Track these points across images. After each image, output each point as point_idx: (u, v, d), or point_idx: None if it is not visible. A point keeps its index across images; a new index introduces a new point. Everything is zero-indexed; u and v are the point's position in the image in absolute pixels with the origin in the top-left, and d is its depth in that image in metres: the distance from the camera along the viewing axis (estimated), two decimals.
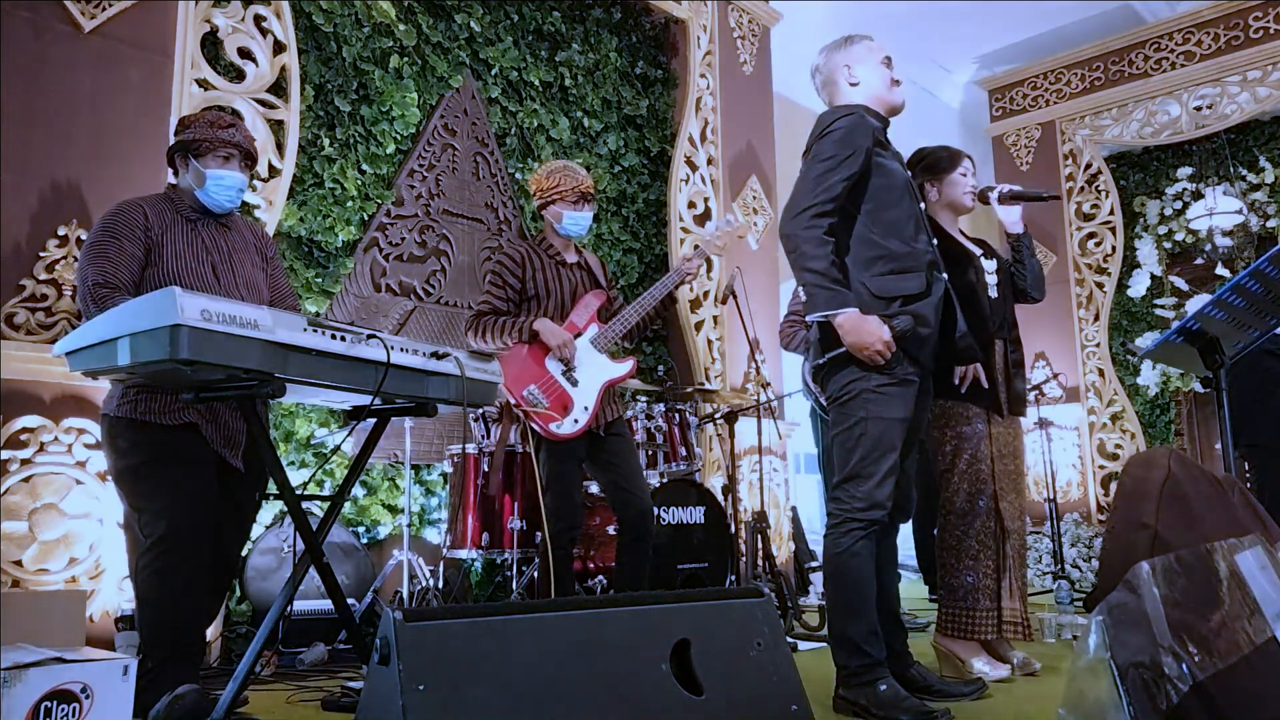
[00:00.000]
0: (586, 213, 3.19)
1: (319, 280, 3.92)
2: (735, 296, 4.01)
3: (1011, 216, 3.13)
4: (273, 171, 3.63)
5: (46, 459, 2.95)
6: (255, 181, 3.55)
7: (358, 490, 3.97)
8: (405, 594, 3.62)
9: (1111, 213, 6.84)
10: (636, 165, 5.30)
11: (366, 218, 4.14)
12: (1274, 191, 6.50)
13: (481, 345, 3.08)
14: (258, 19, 3.68)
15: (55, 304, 3.04)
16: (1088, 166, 6.92)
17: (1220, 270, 6.52)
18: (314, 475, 3.73)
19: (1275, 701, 1.51)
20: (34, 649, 2.09)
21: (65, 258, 3.06)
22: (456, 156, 4.55)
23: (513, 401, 3.03)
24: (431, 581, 3.72)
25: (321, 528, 2.38)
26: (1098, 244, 6.87)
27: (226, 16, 3.59)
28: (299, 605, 3.33)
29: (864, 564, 2.37)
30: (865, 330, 2.32)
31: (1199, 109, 6.41)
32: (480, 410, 3.93)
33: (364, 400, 2.31)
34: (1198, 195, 6.72)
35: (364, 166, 4.11)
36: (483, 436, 3.99)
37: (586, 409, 3.05)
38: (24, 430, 2.92)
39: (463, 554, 3.84)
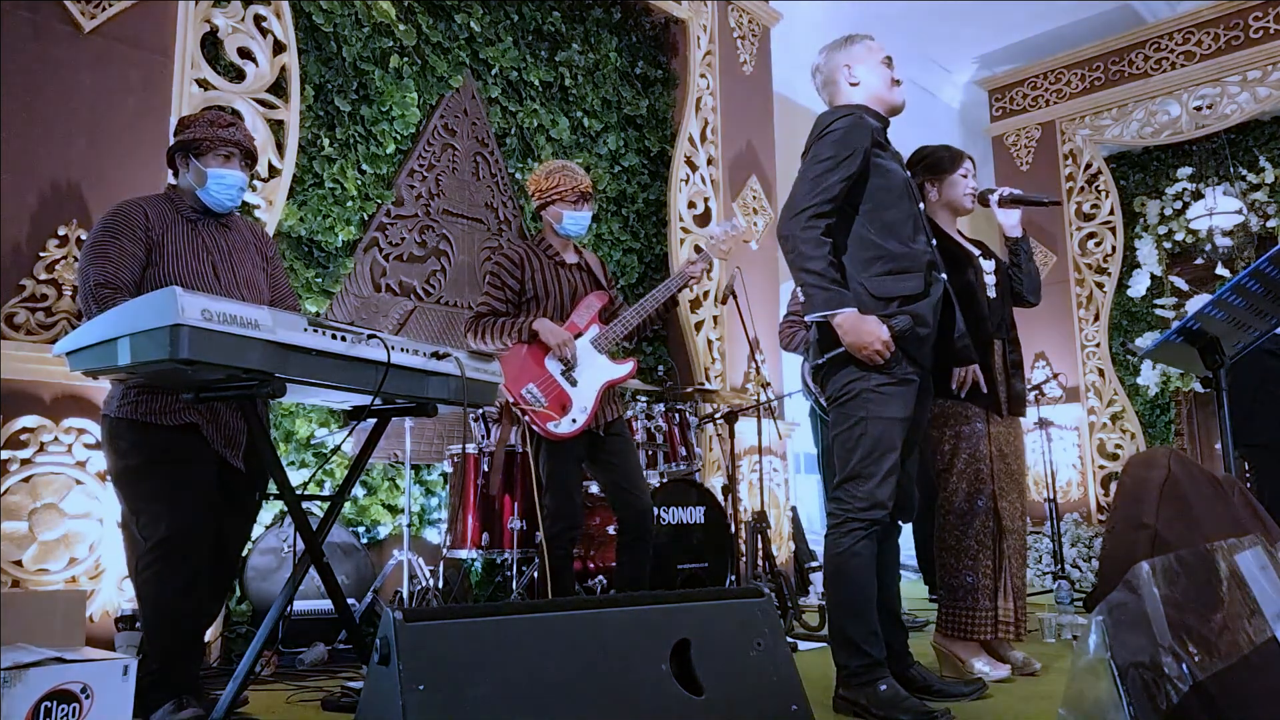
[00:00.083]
0: (586, 212, 3.19)
1: (319, 280, 3.92)
2: (735, 296, 4.01)
3: (1011, 220, 3.13)
4: (273, 171, 3.63)
5: (46, 459, 2.95)
6: (255, 181, 3.55)
7: (358, 490, 3.97)
8: (405, 594, 3.62)
9: (1111, 213, 6.84)
10: (636, 165, 5.30)
11: (366, 218, 4.14)
12: (1274, 191, 6.51)
13: (481, 346, 3.08)
14: (258, 19, 3.68)
15: (55, 304, 3.04)
16: (1088, 166, 6.92)
17: (1220, 270, 6.52)
18: (314, 475, 3.73)
19: (1275, 701, 1.51)
20: (34, 649, 2.09)
21: (65, 258, 3.06)
22: (456, 156, 4.55)
23: (511, 401, 3.03)
24: (431, 581, 3.72)
25: (321, 528, 2.39)
26: (1098, 244, 6.87)
27: (226, 16, 3.59)
28: (299, 605, 3.33)
29: (865, 564, 2.37)
30: (864, 330, 2.32)
31: (1199, 109, 6.41)
32: (480, 410, 3.93)
33: (364, 400, 2.31)
34: (1198, 195, 6.73)
35: (364, 166, 4.11)
36: (483, 436, 3.99)
37: (585, 409, 3.05)
38: (24, 430, 2.92)
39: (463, 554, 3.84)
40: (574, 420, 3.03)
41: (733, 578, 4.09)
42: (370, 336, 2.18)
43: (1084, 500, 6.65)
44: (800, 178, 2.46)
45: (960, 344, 2.63)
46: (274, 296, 2.64)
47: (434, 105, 4.44)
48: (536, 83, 4.85)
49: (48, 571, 2.91)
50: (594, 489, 4.02)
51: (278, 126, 3.67)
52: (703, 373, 5.10)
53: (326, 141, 3.99)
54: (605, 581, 3.84)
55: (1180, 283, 6.83)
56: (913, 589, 5.25)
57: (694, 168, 5.36)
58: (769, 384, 4.65)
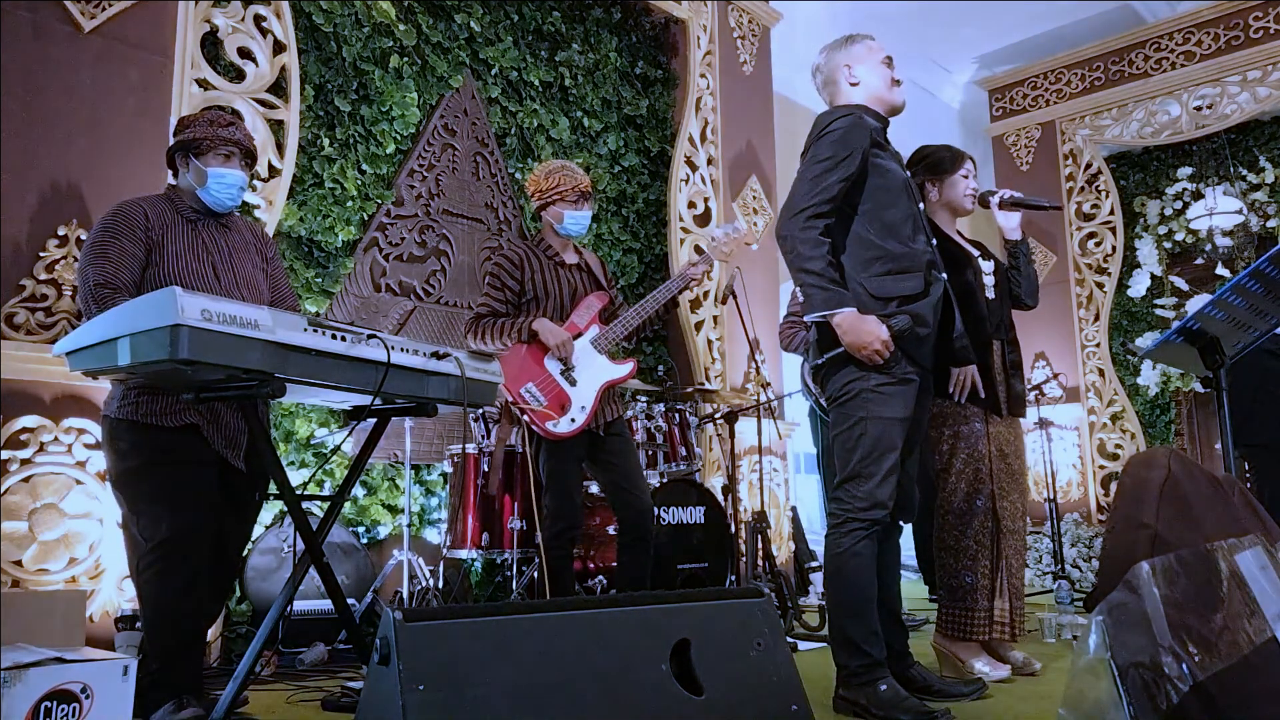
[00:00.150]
0: (586, 212, 3.20)
1: (319, 280, 3.92)
2: (735, 297, 4.01)
3: (1011, 222, 3.13)
4: (273, 171, 3.63)
5: (46, 459, 2.95)
6: (255, 181, 3.55)
7: (358, 490, 3.97)
8: (405, 594, 3.62)
9: (1111, 213, 6.84)
10: (636, 165, 5.30)
11: (366, 218, 4.14)
12: (1274, 191, 6.51)
13: (481, 346, 3.08)
14: (258, 19, 3.68)
15: (55, 304, 3.04)
16: (1088, 166, 6.92)
17: (1220, 270, 6.52)
18: (314, 475, 3.73)
19: (1275, 701, 1.51)
20: (34, 649, 2.09)
21: (65, 258, 3.06)
22: (456, 156, 4.55)
23: (510, 400, 3.03)
24: (431, 581, 3.72)
25: (321, 528, 2.39)
26: (1098, 244, 6.87)
27: (226, 16, 3.59)
28: (299, 605, 3.33)
29: (865, 564, 2.37)
30: (863, 330, 2.32)
31: (1199, 109, 6.41)
32: (480, 410, 3.93)
33: (364, 400, 2.31)
34: (1198, 195, 6.73)
35: (364, 166, 4.11)
36: (483, 436, 3.99)
37: (584, 409, 3.05)
38: (24, 430, 2.92)
39: (463, 554, 3.84)
40: (573, 420, 3.03)
41: (733, 578, 4.09)
42: (370, 336, 2.18)
43: (1084, 500, 6.65)
44: (799, 178, 2.46)
45: (959, 344, 2.63)
46: (274, 297, 2.64)
47: (434, 105, 4.44)
48: (536, 83, 4.85)
49: (48, 571, 2.91)
50: (594, 489, 4.02)
51: (278, 126, 3.67)
52: (703, 373, 5.10)
53: (326, 141, 3.99)
54: (605, 581, 3.84)
55: (1180, 283, 6.83)
56: (913, 589, 5.25)
57: (694, 168, 5.36)
58: (769, 384, 4.65)
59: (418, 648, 1.57)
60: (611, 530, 3.83)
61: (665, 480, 4.15)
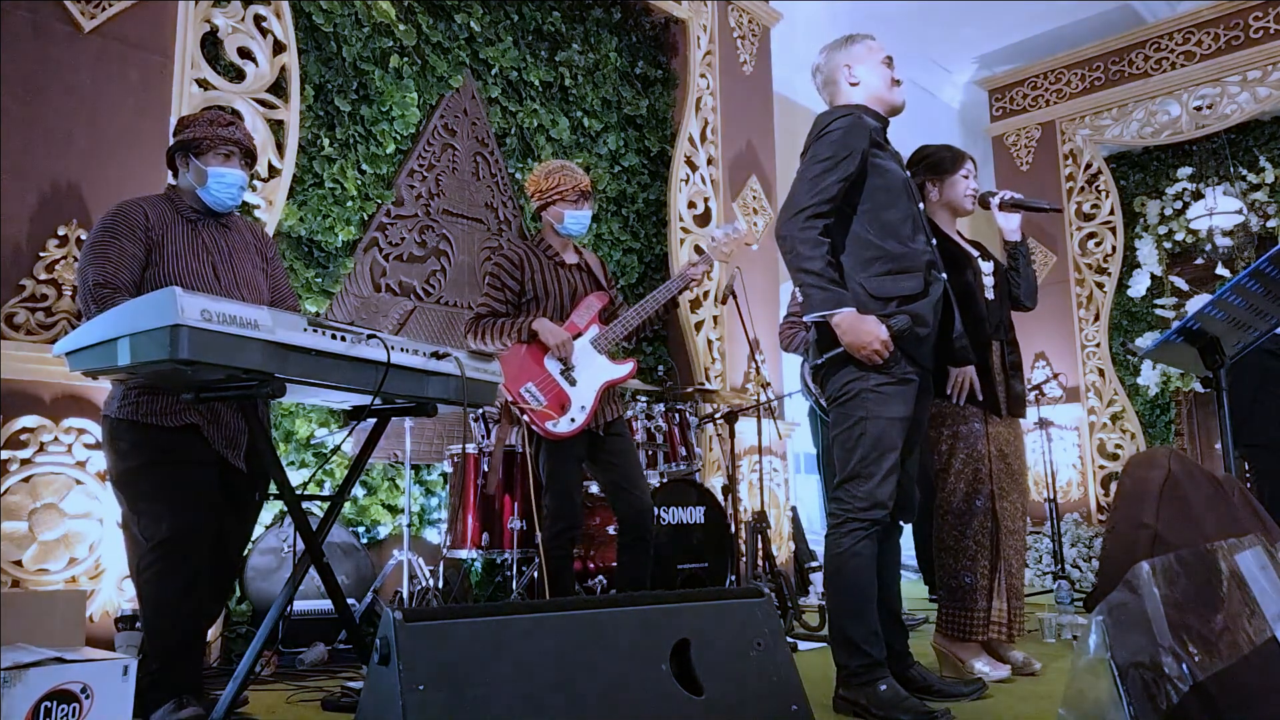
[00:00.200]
0: (586, 211, 3.20)
1: (319, 280, 3.92)
2: (735, 297, 4.01)
3: (1011, 224, 3.13)
4: (273, 171, 3.63)
5: (46, 459, 2.95)
6: (255, 181, 3.55)
7: (358, 490, 3.97)
8: (405, 594, 3.62)
9: (1111, 213, 6.84)
10: (636, 165, 5.30)
11: (366, 218, 4.14)
12: (1274, 191, 6.50)
13: (481, 347, 3.08)
14: (258, 19, 3.68)
15: (55, 304, 3.04)
16: (1088, 166, 6.92)
17: (1220, 270, 6.52)
18: (314, 475, 3.74)
19: (1275, 701, 1.51)
20: (34, 649, 2.09)
21: (65, 258, 3.06)
22: (456, 156, 4.55)
23: (510, 400, 3.03)
24: (431, 581, 3.72)
25: (321, 528, 2.39)
26: (1098, 244, 6.87)
27: (226, 16, 3.59)
28: (299, 605, 3.33)
29: (865, 564, 2.37)
30: (863, 330, 2.32)
31: (1199, 109, 6.41)
32: (480, 410, 3.93)
33: (364, 400, 2.31)
34: (1198, 195, 6.72)
35: (364, 166, 4.11)
36: (483, 436, 3.99)
37: (584, 409, 3.05)
38: (24, 430, 2.92)
39: (463, 554, 3.84)
40: (573, 420, 3.03)
41: (733, 578, 4.09)
42: (370, 336, 2.18)
43: (1084, 500, 6.65)
44: (798, 178, 2.46)
45: (959, 344, 2.63)
46: (274, 297, 2.64)
47: (434, 105, 4.44)
48: (536, 83, 4.85)
49: (48, 571, 2.91)
50: (594, 489, 4.02)
51: (278, 126, 3.67)
52: (703, 373, 5.10)
53: (326, 141, 3.99)
54: (605, 581, 3.84)
55: (1180, 283, 6.83)
56: (913, 589, 5.25)
57: (694, 168, 5.36)
58: (769, 384, 4.65)
59: (418, 648, 1.57)
60: (611, 530, 3.83)
61: (665, 480, 4.15)
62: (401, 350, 2.24)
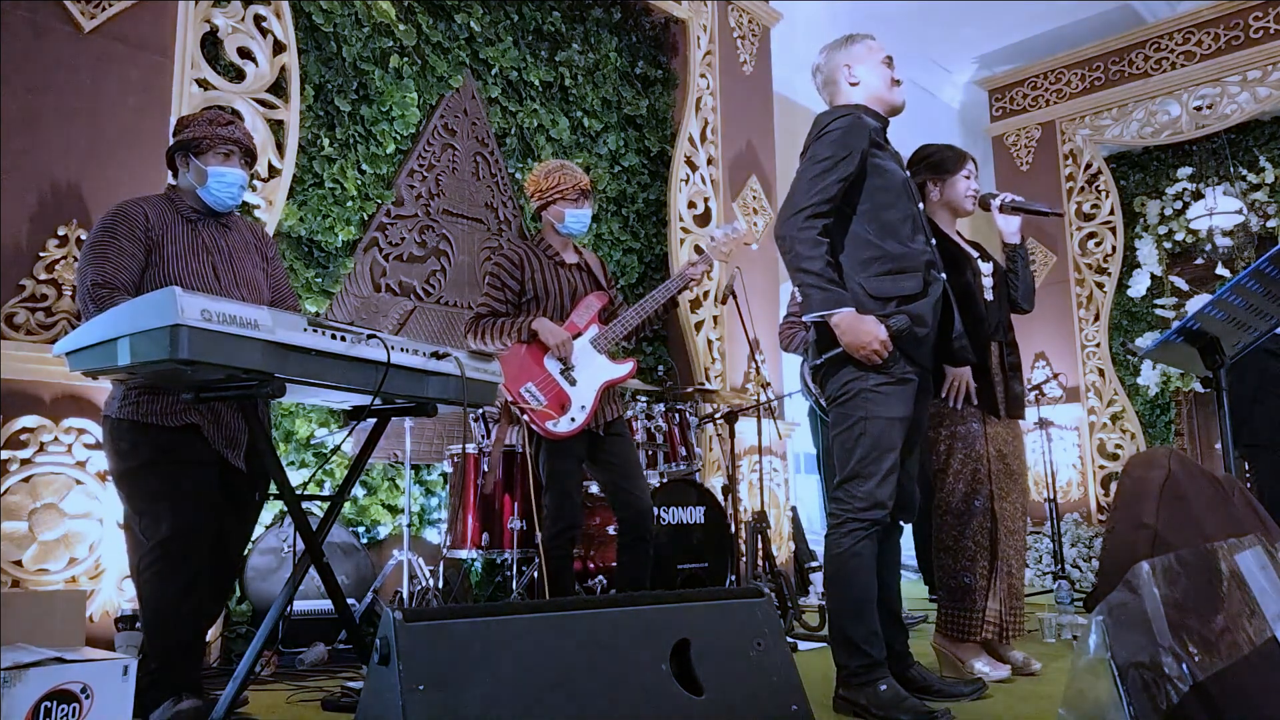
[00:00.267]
0: (587, 210, 3.20)
1: (319, 280, 3.92)
2: (735, 297, 4.01)
3: (1011, 226, 3.12)
4: (273, 171, 3.63)
5: (46, 459, 2.95)
6: (255, 181, 3.56)
7: (358, 490, 3.97)
8: (405, 594, 3.62)
9: (1111, 213, 6.84)
10: (636, 165, 5.30)
11: (366, 218, 4.14)
12: (1274, 191, 6.50)
13: (481, 346, 3.08)
14: (258, 19, 3.68)
15: (55, 304, 3.04)
16: (1088, 166, 6.92)
17: (1220, 270, 6.52)
18: (314, 475, 3.74)
19: (1275, 701, 1.51)
20: (34, 649, 2.09)
21: (65, 258, 3.06)
22: (456, 156, 4.55)
23: (510, 400, 3.03)
24: (431, 581, 3.72)
25: (321, 528, 2.38)
26: (1098, 244, 6.87)
27: (226, 16, 3.59)
28: (299, 605, 3.33)
29: (865, 564, 2.37)
30: (862, 330, 2.32)
31: (1199, 109, 6.41)
32: (480, 410, 3.93)
33: (364, 400, 2.31)
34: (1198, 195, 6.72)
35: (364, 166, 4.11)
36: (483, 436, 3.99)
37: (584, 408, 3.05)
38: (24, 430, 2.92)
39: (463, 554, 3.84)
40: (573, 419, 3.03)
41: (733, 578, 4.09)
42: (370, 336, 2.18)
43: (1084, 500, 6.65)
44: (798, 178, 2.46)
45: (958, 344, 2.63)
46: (274, 297, 2.64)
47: (434, 105, 4.44)
48: (536, 83, 4.85)
49: (48, 571, 2.91)
50: (594, 489, 4.02)
51: (278, 126, 3.67)
52: (703, 373, 5.10)
53: (326, 141, 3.99)
54: (605, 581, 3.84)
55: (1180, 283, 6.83)
56: (913, 589, 5.25)
57: (694, 168, 5.36)
58: (769, 384, 4.65)
59: (418, 648, 1.57)
60: (611, 530, 3.83)
61: (665, 480, 4.15)
62: (401, 350, 2.24)
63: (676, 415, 4.19)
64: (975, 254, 3.06)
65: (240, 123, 2.57)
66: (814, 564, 5.08)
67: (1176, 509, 1.69)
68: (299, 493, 2.33)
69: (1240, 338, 2.10)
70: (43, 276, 3.03)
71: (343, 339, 2.12)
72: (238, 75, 3.62)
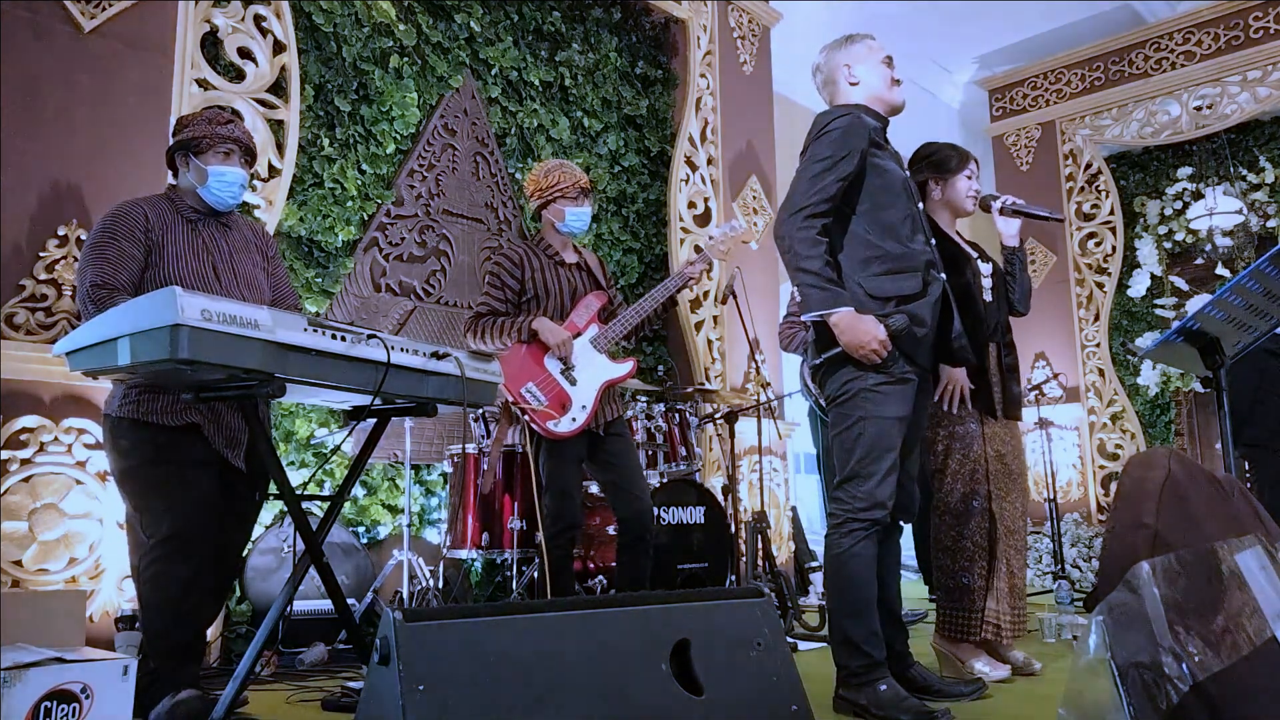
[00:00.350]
0: (587, 208, 3.20)
1: (319, 280, 3.92)
2: (735, 296, 4.01)
3: (1010, 229, 3.11)
4: (273, 171, 3.63)
5: (46, 459, 2.95)
6: (255, 181, 3.56)
7: (358, 490, 3.97)
8: (405, 594, 3.62)
9: (1111, 213, 6.84)
10: (636, 165, 5.30)
11: (366, 218, 4.14)
12: (1274, 191, 6.50)
13: (481, 346, 3.08)
14: (258, 19, 3.68)
15: (55, 304, 3.04)
16: (1088, 166, 6.92)
17: (1220, 270, 6.52)
18: (314, 475, 3.74)
19: (1275, 701, 1.51)
20: (34, 649, 2.09)
21: (65, 258, 3.06)
22: (456, 156, 4.55)
23: (510, 400, 3.03)
24: (431, 581, 3.72)
25: (321, 528, 2.39)
26: (1098, 244, 6.87)
27: (226, 16, 3.59)
28: (299, 605, 3.33)
29: (865, 564, 2.37)
30: (860, 329, 2.32)
31: (1199, 109, 6.41)
32: (480, 410, 3.93)
33: (364, 400, 2.31)
34: (1198, 195, 6.72)
35: (364, 166, 4.11)
36: (483, 436, 3.99)
37: (584, 408, 3.05)
38: (24, 430, 2.92)
39: (463, 554, 3.84)
40: (574, 419, 3.03)
41: (733, 578, 4.09)
42: (370, 336, 2.18)
43: (1084, 500, 6.65)
44: (797, 177, 2.46)
45: (958, 344, 2.63)
46: (275, 296, 2.64)
47: (434, 105, 4.44)
48: (536, 83, 4.85)
49: (48, 571, 2.91)
50: (594, 489, 4.02)
51: (278, 126, 3.67)
52: (703, 373, 5.10)
53: (326, 141, 3.99)
54: (605, 581, 3.84)
55: (1180, 283, 6.83)
56: (913, 589, 5.25)
57: (694, 168, 5.36)
58: (769, 384, 4.65)
59: (418, 648, 1.57)
60: (611, 530, 3.83)
61: (665, 480, 4.15)
62: (401, 350, 2.24)
63: (676, 415, 4.19)
64: (975, 254, 3.06)
65: (240, 122, 2.57)
66: (814, 564, 5.08)
67: (1176, 509, 1.68)
68: (299, 493, 2.33)
69: (1240, 338, 2.10)
70: (43, 276, 3.03)
71: (343, 339, 2.12)
72: (238, 75, 3.62)
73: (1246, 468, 3.99)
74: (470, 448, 3.90)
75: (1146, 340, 6.84)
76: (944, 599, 2.95)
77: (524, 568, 3.79)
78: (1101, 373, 6.75)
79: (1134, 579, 1.61)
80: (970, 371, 2.91)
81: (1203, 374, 2.09)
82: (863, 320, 2.33)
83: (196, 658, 2.35)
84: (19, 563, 2.87)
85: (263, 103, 3.64)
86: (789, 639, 3.47)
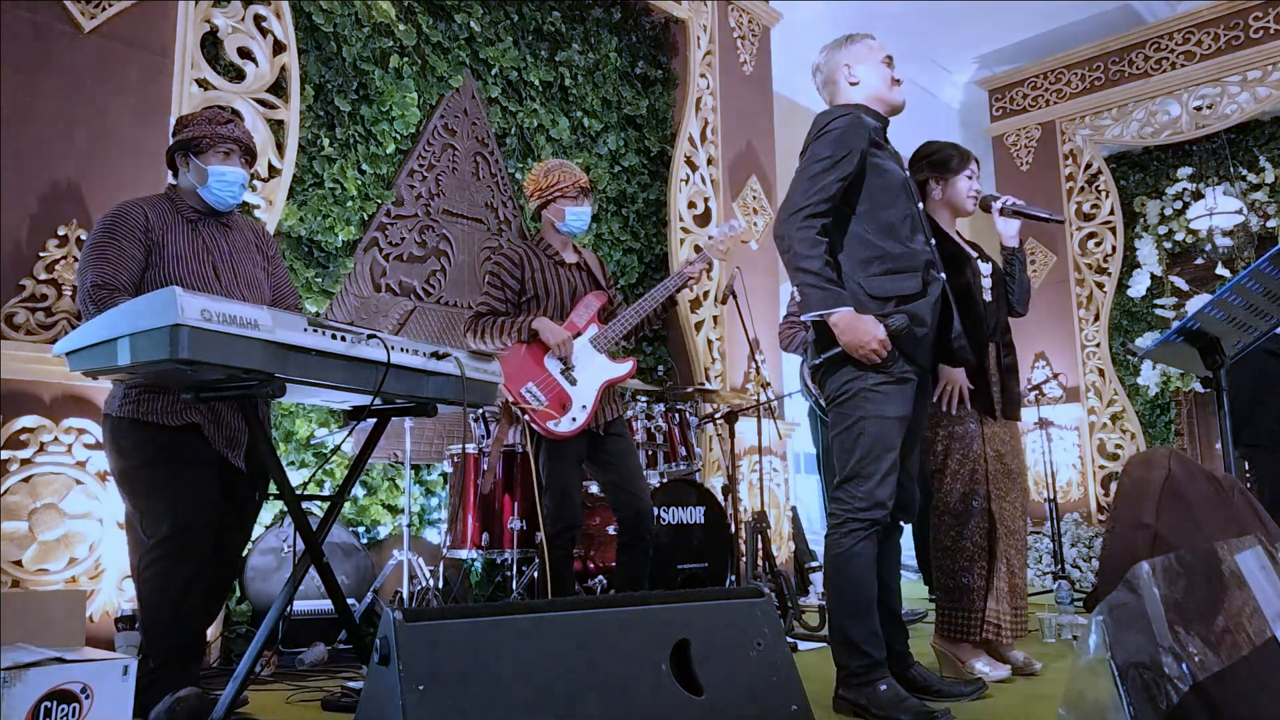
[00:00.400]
0: (587, 207, 3.20)
1: (319, 280, 3.92)
2: (735, 296, 4.01)
3: (1010, 230, 3.11)
4: (273, 171, 3.63)
5: (46, 459, 2.95)
6: (255, 181, 3.56)
7: (358, 490, 3.97)
8: (405, 594, 3.62)
9: (1111, 213, 6.84)
10: (636, 165, 5.30)
11: (366, 218, 4.14)
12: (1274, 191, 6.50)
13: (481, 346, 3.08)
14: (258, 19, 3.68)
15: (55, 304, 3.04)
16: (1088, 166, 6.92)
17: (1220, 270, 6.52)
18: (314, 475, 3.74)
19: (1275, 701, 1.51)
20: (34, 649, 2.09)
21: (65, 258, 3.06)
22: (456, 156, 4.55)
23: (510, 400, 3.03)
24: (431, 581, 3.72)
25: (321, 528, 2.38)
26: (1098, 244, 6.87)
27: (226, 16, 3.59)
28: (299, 605, 3.33)
29: (865, 564, 2.37)
30: (860, 329, 2.32)
31: (1199, 109, 6.41)
32: (480, 410, 3.93)
33: (364, 400, 2.31)
34: (1198, 195, 6.72)
35: (364, 166, 4.11)
36: (483, 436, 3.99)
37: (585, 408, 3.05)
38: (24, 430, 2.92)
39: (463, 554, 3.84)
40: (574, 419, 3.03)
41: (733, 578, 4.09)
42: (370, 336, 2.18)
43: (1084, 500, 6.65)
44: (797, 177, 2.46)
45: (958, 344, 2.63)
46: (275, 296, 2.64)
47: (434, 105, 4.44)
48: (536, 83, 4.85)
49: (48, 571, 2.91)
50: (594, 489, 4.02)
51: (278, 126, 3.67)
52: (703, 373, 5.10)
53: (326, 141, 3.99)
54: (605, 581, 3.84)
55: (1180, 283, 6.83)
56: (913, 589, 5.25)
57: (694, 168, 5.36)
58: (769, 384, 4.65)
59: (418, 648, 1.57)
60: (611, 530, 3.83)
61: (665, 480, 4.15)
62: (401, 350, 2.24)
63: (676, 415, 4.19)
64: (974, 254, 3.06)
65: (240, 121, 2.57)
66: (814, 564, 5.08)
67: (1176, 509, 1.69)
68: (299, 493, 2.33)
69: (1240, 338, 2.10)
70: (43, 276, 3.03)
71: (343, 339, 2.12)
72: (238, 75, 3.62)
73: (1246, 468, 3.99)
74: (470, 448, 3.90)
75: (1146, 340, 6.84)
76: (944, 599, 2.95)
77: (524, 568, 3.79)
78: (1101, 373, 6.75)
79: (1134, 579, 1.61)
80: (970, 371, 2.90)
81: (1203, 374, 2.09)
82: (862, 320, 2.33)
83: (196, 658, 2.35)
84: (19, 563, 2.87)
85: (263, 103, 3.64)
86: (789, 639, 3.47)
